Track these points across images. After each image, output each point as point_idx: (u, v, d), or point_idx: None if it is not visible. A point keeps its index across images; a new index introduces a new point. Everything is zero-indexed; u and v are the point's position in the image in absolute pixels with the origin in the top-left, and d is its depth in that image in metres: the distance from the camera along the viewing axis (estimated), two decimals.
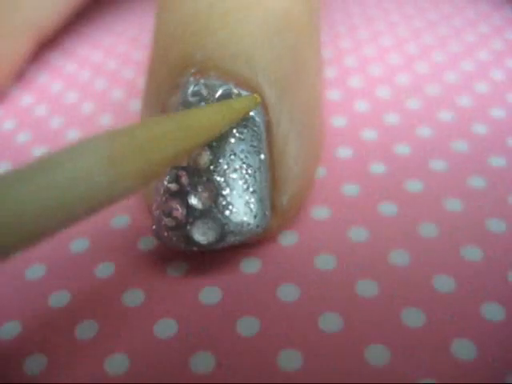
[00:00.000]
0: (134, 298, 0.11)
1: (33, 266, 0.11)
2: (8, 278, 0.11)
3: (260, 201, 0.10)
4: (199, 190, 0.10)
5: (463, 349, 0.09)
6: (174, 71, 0.11)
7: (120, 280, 0.11)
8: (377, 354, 0.09)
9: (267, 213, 0.10)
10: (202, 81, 0.11)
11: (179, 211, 0.10)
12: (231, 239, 0.10)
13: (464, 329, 0.10)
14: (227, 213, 0.10)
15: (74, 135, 0.15)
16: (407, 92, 0.16)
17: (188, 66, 0.11)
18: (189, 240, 0.10)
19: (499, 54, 0.17)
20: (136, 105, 0.16)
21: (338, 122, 0.15)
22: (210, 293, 0.10)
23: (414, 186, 0.12)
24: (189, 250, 0.10)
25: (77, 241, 0.12)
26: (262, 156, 0.10)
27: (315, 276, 0.11)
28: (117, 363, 0.10)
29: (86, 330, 0.10)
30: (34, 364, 0.10)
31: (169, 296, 0.11)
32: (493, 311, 0.10)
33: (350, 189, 0.12)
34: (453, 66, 0.17)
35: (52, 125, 0.16)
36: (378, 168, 0.13)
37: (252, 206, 0.10)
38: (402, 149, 0.14)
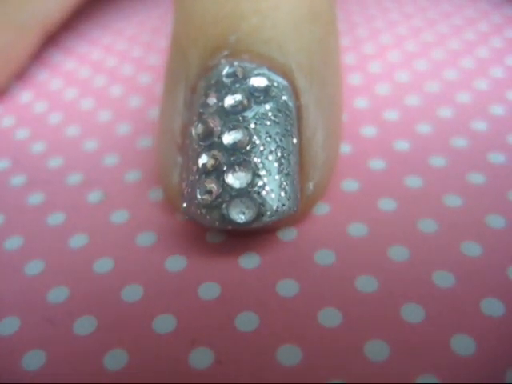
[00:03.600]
0: (132, 293, 0.11)
1: (31, 262, 0.11)
2: (7, 274, 0.11)
3: (293, 183, 0.10)
4: (236, 169, 0.10)
5: (463, 344, 0.09)
6: (205, 53, 0.11)
7: (119, 275, 0.11)
8: (376, 350, 0.09)
9: (298, 196, 0.10)
10: (236, 63, 0.11)
11: (215, 189, 0.10)
12: (266, 219, 0.10)
13: (463, 324, 0.10)
14: (263, 193, 0.10)
15: (73, 132, 0.15)
16: (407, 89, 0.16)
17: (221, 49, 0.11)
18: (224, 218, 0.10)
19: (499, 52, 0.17)
20: (135, 101, 0.16)
21: None
22: (208, 288, 0.10)
23: (414, 182, 0.12)
24: (222, 228, 0.10)
25: (76, 236, 0.12)
26: (295, 140, 0.11)
27: (315, 271, 0.11)
28: (116, 359, 0.09)
29: (84, 325, 0.10)
30: (33, 360, 0.10)
31: (168, 291, 0.10)
32: (492, 307, 0.10)
33: (350, 185, 0.12)
34: (452, 64, 0.17)
35: (51, 121, 0.16)
36: (377, 164, 0.13)
37: (287, 187, 0.10)
38: (402, 145, 0.14)
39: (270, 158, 0.10)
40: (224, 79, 0.11)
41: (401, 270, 0.11)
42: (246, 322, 0.10)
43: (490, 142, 0.14)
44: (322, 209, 0.12)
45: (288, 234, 0.11)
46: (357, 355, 0.09)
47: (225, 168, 0.10)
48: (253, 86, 0.11)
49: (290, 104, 0.11)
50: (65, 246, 0.12)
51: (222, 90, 0.11)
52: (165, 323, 0.10)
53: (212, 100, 0.11)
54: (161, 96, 0.13)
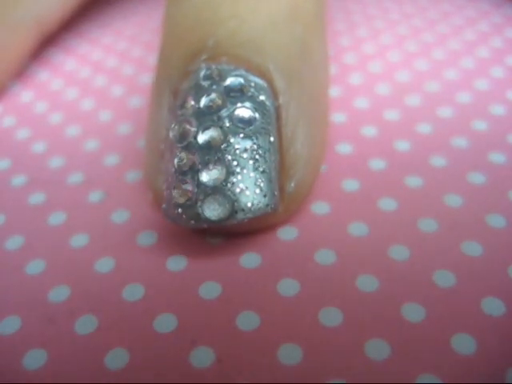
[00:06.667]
0: (133, 292, 0.11)
1: (33, 261, 0.11)
2: (8, 273, 0.11)
3: (270, 181, 0.10)
4: (210, 167, 0.10)
5: (463, 343, 0.09)
6: (186, 58, 0.11)
7: (120, 275, 0.11)
8: (377, 349, 0.09)
9: (276, 193, 0.10)
10: (213, 66, 0.11)
11: (190, 189, 0.10)
12: (241, 216, 0.10)
13: (464, 323, 0.10)
14: (237, 190, 0.10)
15: (73, 132, 0.15)
16: (407, 89, 0.16)
17: (200, 53, 0.11)
18: (199, 217, 0.10)
19: (499, 52, 0.17)
20: (136, 101, 0.16)
21: (338, 118, 0.15)
22: (209, 287, 0.10)
23: (414, 181, 0.12)
24: (199, 227, 0.10)
25: (77, 236, 0.12)
26: (272, 138, 0.11)
27: (315, 271, 0.11)
28: (117, 358, 0.09)
29: (85, 324, 0.10)
30: (34, 359, 0.10)
31: (168, 291, 0.10)
32: (493, 306, 0.10)
33: (350, 184, 0.12)
34: (453, 64, 0.17)
35: (52, 121, 0.16)
36: (378, 164, 0.13)
37: (262, 185, 0.10)
38: (402, 145, 0.14)
39: (245, 155, 0.10)
40: (201, 82, 0.11)
41: (401, 269, 0.11)
42: (247, 321, 0.10)
43: (490, 142, 0.14)
44: (322, 208, 0.12)
45: (289, 234, 0.11)
46: (357, 354, 0.09)
47: (199, 167, 0.10)
48: (228, 85, 0.11)
49: (268, 103, 0.11)
50: (66, 246, 0.12)
51: (200, 92, 0.11)
52: (166, 322, 0.10)
53: (190, 103, 0.11)
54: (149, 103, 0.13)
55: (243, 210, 0.10)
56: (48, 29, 0.18)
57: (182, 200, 0.10)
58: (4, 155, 0.15)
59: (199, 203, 0.10)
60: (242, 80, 0.11)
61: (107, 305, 0.10)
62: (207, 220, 0.10)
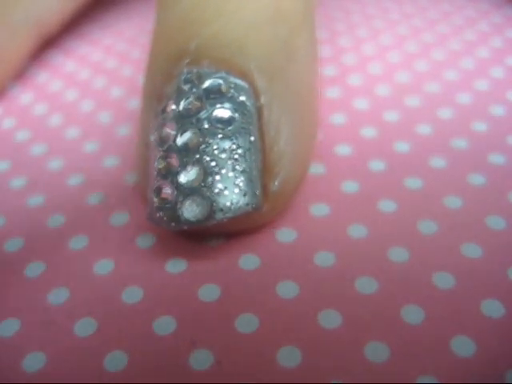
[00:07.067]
0: (132, 295, 0.11)
1: (32, 263, 0.11)
2: (7, 275, 0.11)
3: (250, 180, 0.10)
4: (188, 169, 0.10)
5: (463, 345, 0.09)
6: (169, 62, 0.11)
7: (119, 277, 0.11)
8: (376, 351, 0.09)
9: (257, 192, 0.10)
10: (194, 69, 0.11)
11: (169, 191, 0.10)
12: (220, 216, 0.10)
13: (463, 325, 0.10)
14: (216, 191, 0.10)
15: (73, 133, 0.15)
16: (407, 90, 0.16)
17: (183, 57, 0.11)
18: (179, 219, 0.10)
19: (499, 52, 0.17)
20: (135, 102, 0.16)
21: (338, 119, 0.15)
22: (208, 290, 0.10)
23: (414, 183, 0.12)
24: (179, 229, 0.10)
25: (75, 238, 0.12)
26: (253, 138, 0.11)
27: (314, 273, 0.11)
28: (116, 360, 0.09)
29: (84, 327, 0.10)
30: (33, 361, 0.10)
31: (167, 293, 0.10)
32: (492, 308, 0.10)
33: (350, 186, 0.12)
34: (453, 64, 0.17)
35: (51, 123, 0.16)
36: (377, 165, 0.13)
37: (241, 184, 0.10)
38: (402, 146, 0.14)
39: (223, 156, 0.10)
40: (182, 86, 0.11)
41: (401, 271, 0.11)
42: (246, 323, 0.10)
43: (490, 143, 0.14)
44: (321, 210, 0.12)
45: (288, 236, 0.11)
46: (357, 356, 0.09)
47: (178, 169, 0.10)
48: (207, 88, 0.11)
49: (249, 104, 0.11)
50: (65, 248, 0.12)
51: (180, 96, 0.11)
52: (165, 325, 0.10)
53: (171, 107, 0.11)
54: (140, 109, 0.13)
55: (222, 209, 0.10)
56: (47, 31, 0.18)
57: (161, 203, 0.10)
58: (3, 157, 0.15)
59: (179, 205, 0.10)
60: (220, 81, 0.11)
61: (106, 307, 0.10)
62: (187, 221, 0.10)
